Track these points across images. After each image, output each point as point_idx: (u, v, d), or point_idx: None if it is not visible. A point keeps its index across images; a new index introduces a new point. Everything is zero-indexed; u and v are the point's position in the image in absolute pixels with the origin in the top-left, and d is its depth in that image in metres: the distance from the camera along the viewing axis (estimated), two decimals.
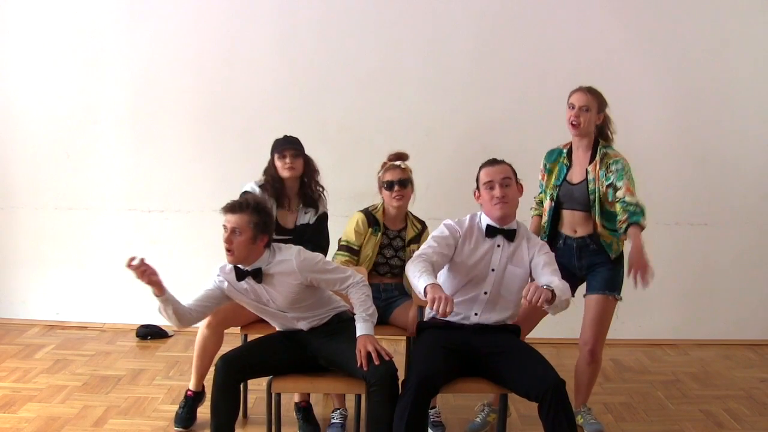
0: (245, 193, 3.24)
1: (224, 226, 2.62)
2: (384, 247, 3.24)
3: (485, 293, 2.78)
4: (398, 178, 3.19)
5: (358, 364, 2.54)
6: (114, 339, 4.39)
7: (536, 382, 2.47)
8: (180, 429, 3.13)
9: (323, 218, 3.41)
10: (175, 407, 3.29)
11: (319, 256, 2.80)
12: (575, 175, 3.12)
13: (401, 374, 2.66)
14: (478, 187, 2.85)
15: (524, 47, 4.34)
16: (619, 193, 3.00)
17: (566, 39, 4.32)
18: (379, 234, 3.21)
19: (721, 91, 4.38)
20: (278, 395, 2.72)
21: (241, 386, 2.98)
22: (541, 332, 3.43)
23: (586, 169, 3.10)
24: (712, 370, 4.07)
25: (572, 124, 3.08)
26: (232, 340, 3.22)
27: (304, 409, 3.18)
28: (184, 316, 2.71)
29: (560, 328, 3.87)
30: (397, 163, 3.23)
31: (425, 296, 2.50)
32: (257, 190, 3.31)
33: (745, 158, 4.44)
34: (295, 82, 4.38)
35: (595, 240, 3.07)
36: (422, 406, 2.48)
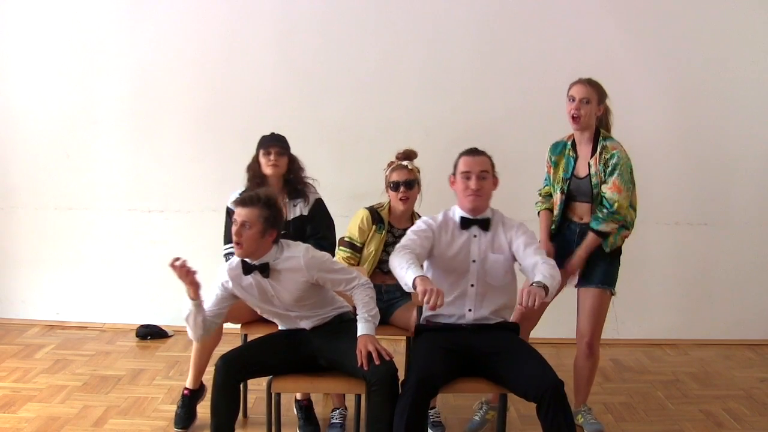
0: (227, 210, 3.27)
1: (234, 219, 2.64)
2: (389, 245, 3.21)
3: (472, 286, 2.78)
4: (404, 179, 3.17)
5: (359, 364, 2.54)
6: (114, 339, 4.39)
7: (535, 382, 2.47)
8: (180, 429, 3.13)
9: (318, 205, 3.37)
10: (175, 407, 3.30)
11: (326, 255, 2.83)
12: (580, 169, 3.13)
13: (401, 374, 2.66)
14: (454, 174, 2.85)
15: (524, 47, 4.34)
16: (604, 187, 3.05)
17: (566, 39, 4.32)
18: (384, 232, 3.20)
19: (721, 92, 4.38)
20: (278, 395, 2.72)
21: (241, 386, 2.98)
22: (541, 332, 3.43)
23: (589, 163, 3.11)
24: (712, 370, 4.07)
25: (573, 117, 3.07)
26: (232, 339, 3.22)
27: (306, 407, 3.18)
28: (209, 325, 2.73)
29: (560, 328, 3.87)
30: (405, 163, 3.21)
31: (414, 289, 2.50)
32: (236, 195, 3.30)
33: (745, 158, 4.44)
34: (295, 82, 4.38)
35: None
36: (421, 407, 2.48)
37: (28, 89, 4.48)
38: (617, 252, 3.14)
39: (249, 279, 2.71)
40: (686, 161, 4.43)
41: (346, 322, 2.81)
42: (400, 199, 3.18)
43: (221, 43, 4.38)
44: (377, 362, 2.52)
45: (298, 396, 3.23)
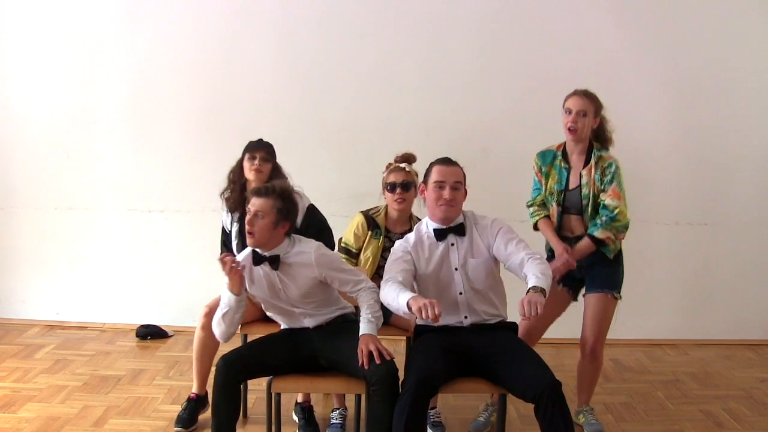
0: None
1: (248, 209, 2.65)
2: (386, 251, 3.17)
3: (460, 294, 2.77)
4: (401, 181, 3.15)
5: (360, 363, 2.54)
6: (114, 339, 4.39)
7: (532, 383, 2.46)
8: (180, 428, 3.12)
9: (310, 214, 3.30)
10: (175, 407, 3.30)
11: (337, 255, 2.87)
12: (572, 181, 3.13)
13: (401, 375, 2.66)
14: (425, 182, 2.83)
15: (524, 48, 4.34)
16: (603, 195, 3.06)
17: (566, 40, 4.32)
18: (381, 237, 3.18)
19: (721, 92, 4.38)
20: (278, 395, 2.72)
21: (241, 386, 2.98)
22: None
23: (581, 173, 3.11)
24: (712, 370, 4.07)
25: (570, 130, 3.07)
26: (233, 339, 3.20)
27: (307, 409, 3.18)
28: (240, 322, 2.76)
29: (560, 328, 3.84)
30: (402, 165, 3.20)
31: (410, 310, 2.50)
32: (223, 215, 3.33)
33: (745, 158, 4.43)
34: (295, 82, 4.38)
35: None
36: (421, 407, 2.48)
37: (28, 89, 4.48)
38: (619, 255, 3.13)
39: (259, 271, 2.72)
40: (686, 161, 4.43)
41: (348, 322, 2.82)
42: (396, 201, 3.16)
43: (221, 43, 4.38)
44: (378, 362, 2.52)
45: (300, 398, 3.23)
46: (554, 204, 3.14)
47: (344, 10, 4.33)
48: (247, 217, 2.64)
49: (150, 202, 4.52)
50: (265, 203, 2.63)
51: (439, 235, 2.79)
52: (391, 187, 3.16)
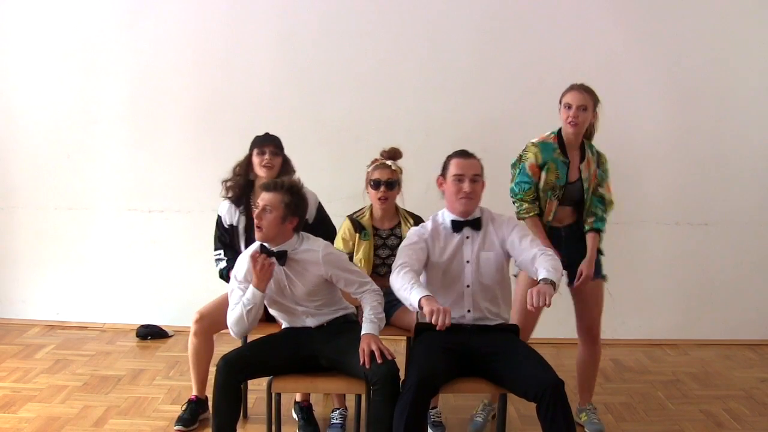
0: (217, 216, 3.27)
1: (257, 203, 2.67)
2: (378, 248, 3.18)
3: (468, 286, 2.78)
4: (386, 179, 3.12)
5: (361, 362, 2.54)
6: (114, 339, 4.39)
7: (534, 382, 2.47)
8: (181, 427, 3.12)
9: (320, 213, 3.33)
10: (175, 407, 3.31)
11: (344, 254, 2.88)
12: (572, 174, 3.13)
13: (401, 375, 2.66)
14: (444, 176, 2.83)
15: (524, 47, 4.34)
16: (602, 190, 3.16)
17: (566, 39, 4.32)
18: (370, 237, 3.16)
19: (722, 92, 4.38)
20: (278, 395, 2.72)
21: (242, 386, 2.97)
22: (541, 332, 3.43)
23: (579, 168, 3.13)
24: (712, 370, 4.07)
25: (572, 124, 3.08)
26: (233, 339, 3.20)
27: (305, 408, 3.18)
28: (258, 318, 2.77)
29: (560, 328, 3.87)
30: (388, 162, 3.17)
31: (420, 309, 2.50)
32: (223, 209, 3.27)
33: (745, 158, 4.43)
34: (295, 82, 4.38)
35: (580, 227, 3.15)
36: (421, 406, 2.48)
37: (28, 89, 4.48)
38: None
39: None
40: (686, 161, 4.43)
41: (349, 323, 2.83)
42: (379, 199, 3.12)
43: (221, 43, 4.38)
44: (380, 361, 2.53)
45: (298, 398, 3.23)
46: (554, 199, 3.12)
47: (344, 10, 4.33)
48: (256, 211, 2.64)
49: (150, 202, 4.52)
50: (274, 198, 2.64)
51: (456, 227, 2.80)
52: (375, 184, 3.13)
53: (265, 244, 2.70)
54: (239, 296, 2.72)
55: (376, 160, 3.21)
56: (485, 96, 4.36)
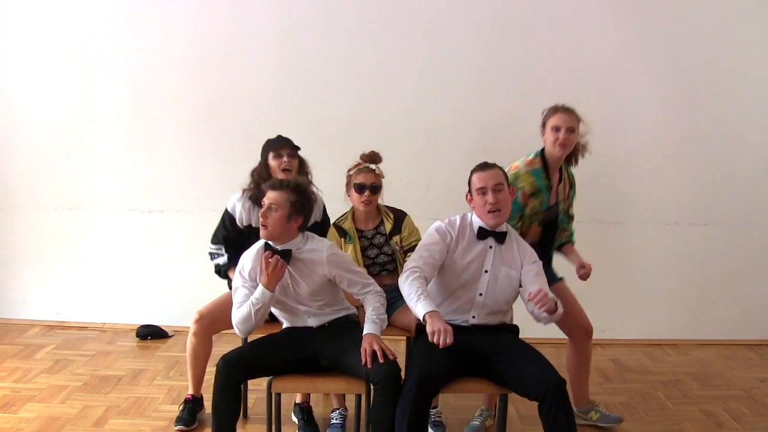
0: (225, 213, 3.23)
1: (263, 201, 2.67)
2: (366, 249, 3.17)
3: (480, 295, 2.78)
4: (371, 183, 3.11)
5: (363, 362, 2.54)
6: (114, 339, 4.39)
7: (536, 381, 2.47)
8: (181, 426, 3.13)
9: (325, 212, 3.36)
10: (175, 407, 3.31)
11: (348, 255, 2.89)
12: (552, 198, 3.14)
13: (402, 374, 2.66)
14: (470, 191, 2.84)
15: (524, 48, 4.34)
16: (572, 209, 3.26)
17: (567, 40, 4.32)
18: (354, 239, 3.15)
19: (722, 92, 4.38)
20: (278, 395, 2.72)
21: (242, 386, 2.98)
22: (541, 332, 3.44)
23: (557, 190, 3.16)
24: (712, 370, 4.07)
25: (561, 146, 3.07)
26: (233, 339, 3.22)
27: (306, 410, 3.18)
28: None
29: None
30: (372, 166, 3.15)
31: (424, 322, 2.54)
32: (239, 207, 3.21)
33: (745, 159, 4.43)
34: (295, 82, 4.38)
35: (543, 245, 3.15)
36: (423, 406, 2.48)
37: (28, 89, 4.48)
38: None
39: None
40: (686, 161, 4.43)
41: (350, 323, 2.83)
42: (363, 203, 3.12)
43: (221, 43, 4.37)
44: (381, 361, 2.53)
45: (298, 399, 3.23)
46: (537, 222, 3.11)
47: (344, 10, 4.33)
48: (261, 210, 2.65)
49: (150, 202, 4.52)
50: (279, 196, 2.65)
51: (481, 234, 2.80)
52: (359, 188, 3.11)
53: (270, 242, 2.70)
54: (244, 294, 2.72)
55: (358, 164, 3.18)
56: (485, 96, 4.36)
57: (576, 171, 4.41)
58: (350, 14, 4.34)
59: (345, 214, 3.23)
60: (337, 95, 4.37)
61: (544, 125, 3.15)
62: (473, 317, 2.79)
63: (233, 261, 3.13)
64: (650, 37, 4.33)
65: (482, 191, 2.76)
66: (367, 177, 3.12)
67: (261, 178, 3.17)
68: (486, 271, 2.79)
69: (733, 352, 4.37)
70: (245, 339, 3.14)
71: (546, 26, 4.33)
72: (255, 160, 3.38)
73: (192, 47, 4.38)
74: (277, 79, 4.39)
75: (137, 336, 4.41)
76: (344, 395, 3.23)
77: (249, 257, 2.76)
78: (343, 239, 3.15)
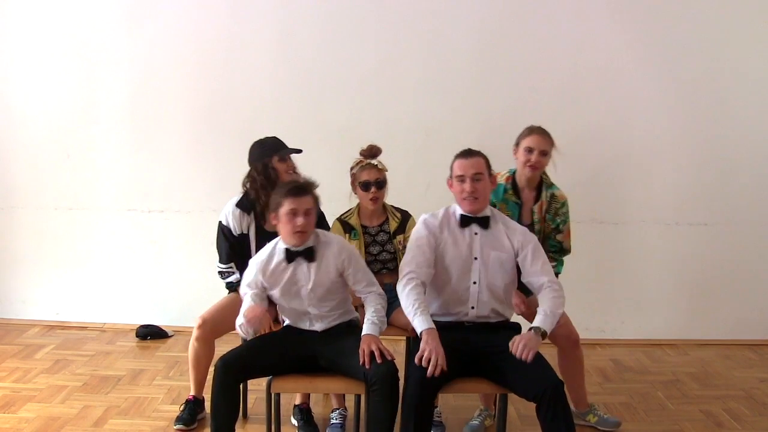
0: (221, 227, 3.19)
1: (293, 209, 2.65)
2: (369, 246, 3.18)
3: (474, 283, 2.79)
4: (375, 179, 3.11)
5: (361, 362, 2.54)
6: (114, 339, 4.39)
7: (535, 382, 2.47)
8: (181, 426, 3.13)
9: (321, 215, 3.33)
10: (175, 407, 3.31)
11: (357, 250, 2.93)
12: (525, 216, 3.14)
13: (401, 375, 2.66)
14: (451, 176, 2.85)
15: (524, 48, 4.33)
16: (560, 236, 3.18)
17: (567, 39, 4.32)
18: (359, 236, 3.16)
19: (721, 92, 4.38)
20: (278, 395, 2.72)
21: (241, 386, 2.98)
22: None
23: (533, 210, 3.15)
24: (712, 370, 4.07)
25: (531, 168, 3.10)
26: (233, 339, 3.21)
27: (305, 411, 3.18)
28: None
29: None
30: (374, 162, 3.16)
31: (420, 337, 2.56)
32: (230, 218, 3.16)
33: (745, 158, 4.43)
34: (295, 82, 4.38)
35: None
36: (427, 402, 2.49)
37: (28, 89, 4.48)
38: None
39: (280, 270, 2.74)
40: (686, 161, 4.43)
41: (352, 327, 2.84)
42: (371, 200, 3.13)
43: (221, 43, 4.37)
44: (379, 361, 2.53)
45: (297, 400, 3.23)
46: None
47: (344, 10, 4.33)
48: (298, 218, 2.64)
49: (150, 202, 4.52)
50: (309, 200, 2.69)
51: (464, 222, 2.81)
52: (365, 186, 3.12)
53: (290, 247, 2.71)
54: (252, 298, 2.74)
55: (360, 161, 3.18)
56: (485, 96, 4.35)
57: (576, 171, 4.43)
58: (350, 14, 4.34)
59: (350, 209, 3.24)
60: (338, 95, 4.37)
61: (518, 144, 3.16)
62: (473, 308, 2.79)
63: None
64: (650, 37, 4.33)
65: (461, 179, 2.78)
66: (370, 174, 3.12)
67: (269, 182, 3.11)
68: (476, 258, 2.79)
69: (733, 352, 4.37)
70: (244, 339, 3.15)
71: (546, 26, 4.32)
72: None
73: (192, 47, 4.38)
74: (278, 79, 4.39)
75: (137, 336, 4.41)
76: (344, 395, 3.23)
77: (253, 266, 2.78)
78: (348, 234, 3.15)
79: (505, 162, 3.26)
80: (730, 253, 4.50)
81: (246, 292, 2.77)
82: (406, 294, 2.67)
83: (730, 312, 4.53)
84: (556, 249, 3.21)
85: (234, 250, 3.18)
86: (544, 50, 4.33)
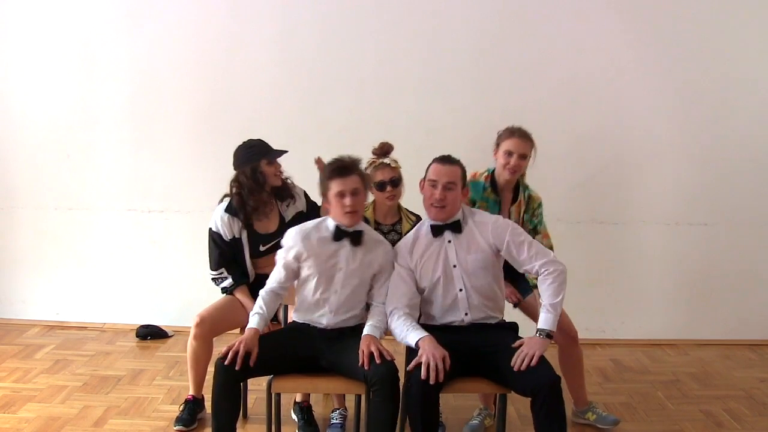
0: (211, 233, 3.22)
1: (341, 191, 2.66)
2: None
3: (461, 290, 2.77)
4: (389, 178, 3.11)
5: (360, 363, 2.54)
6: (114, 339, 4.39)
7: (533, 378, 2.48)
8: (181, 427, 3.13)
9: (308, 197, 3.34)
10: (175, 407, 3.31)
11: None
12: (503, 214, 3.13)
13: (401, 375, 2.66)
14: (425, 178, 2.83)
15: (525, 47, 4.33)
16: (538, 237, 3.17)
17: (567, 39, 4.32)
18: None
19: (721, 92, 4.38)
20: (278, 395, 2.72)
21: (241, 386, 2.98)
22: None
23: (510, 210, 3.16)
24: (712, 370, 4.07)
25: (510, 171, 3.10)
26: (233, 339, 3.21)
27: (305, 409, 3.18)
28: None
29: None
30: (386, 160, 3.15)
31: (416, 347, 2.55)
32: (219, 223, 3.18)
33: (744, 158, 4.43)
34: (295, 82, 4.38)
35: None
36: (431, 402, 2.50)
37: (28, 90, 4.48)
38: None
39: (323, 245, 2.74)
40: (686, 161, 4.43)
41: (356, 331, 2.81)
42: (387, 198, 3.13)
43: (221, 44, 4.37)
44: (378, 362, 2.52)
45: (298, 398, 3.23)
46: None
47: (344, 10, 4.33)
48: (346, 198, 2.65)
49: (150, 202, 4.52)
50: (357, 180, 2.69)
51: (436, 231, 2.79)
52: (380, 186, 3.11)
53: (341, 226, 2.73)
54: (278, 273, 2.79)
55: (372, 161, 3.18)
56: (485, 96, 4.35)
57: (576, 171, 4.44)
58: (350, 14, 4.34)
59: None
60: (338, 95, 4.37)
61: (498, 145, 3.17)
62: (466, 314, 2.78)
63: (238, 281, 3.19)
64: (650, 37, 4.33)
65: (433, 184, 2.76)
66: (384, 173, 3.11)
67: (257, 186, 3.12)
68: (455, 266, 2.77)
69: (733, 352, 4.37)
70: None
71: (546, 26, 4.32)
72: None
73: (192, 47, 4.38)
74: (278, 79, 4.39)
75: (137, 336, 4.41)
76: (344, 395, 3.22)
77: (299, 233, 2.77)
78: None
79: None
80: (730, 253, 4.50)
81: (278, 259, 2.79)
82: (395, 325, 2.70)
83: (730, 312, 4.53)
84: None
85: (224, 256, 3.21)
86: (544, 50, 4.33)
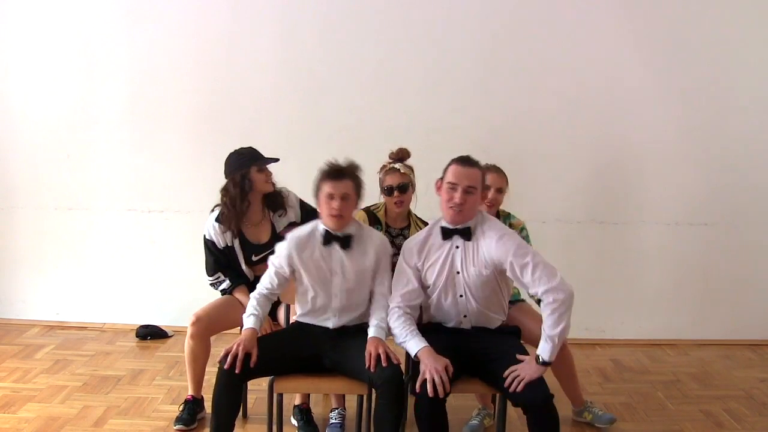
0: (205, 240, 3.24)
1: (330, 194, 2.66)
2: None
3: (461, 296, 2.75)
4: (397, 183, 3.12)
5: (367, 365, 2.54)
6: (114, 339, 4.38)
7: (526, 393, 2.48)
8: (181, 426, 3.12)
9: (303, 205, 3.33)
10: (175, 407, 3.31)
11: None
12: None
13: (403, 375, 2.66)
14: (442, 179, 2.75)
15: (525, 48, 4.33)
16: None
17: (568, 40, 4.32)
18: (382, 232, 3.17)
19: (722, 92, 4.38)
20: (280, 395, 2.71)
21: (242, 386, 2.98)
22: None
23: None
24: (712, 370, 4.07)
25: (489, 205, 3.16)
26: (233, 340, 3.21)
27: (305, 411, 3.18)
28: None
29: None
30: (397, 166, 3.16)
31: (416, 359, 2.54)
32: (212, 232, 3.20)
33: (745, 158, 4.43)
34: (295, 82, 4.38)
35: None
36: (440, 411, 2.49)
37: (28, 89, 4.47)
38: None
39: (316, 252, 2.73)
40: (686, 161, 4.43)
41: (362, 330, 2.81)
42: (395, 203, 3.15)
43: (221, 44, 4.37)
44: (385, 364, 2.53)
45: (297, 401, 3.22)
46: None
47: (345, 10, 4.33)
48: (335, 203, 2.65)
49: (150, 203, 4.52)
50: (348, 185, 2.68)
51: (446, 234, 2.75)
52: (388, 191, 3.14)
53: (330, 230, 2.72)
54: (269, 279, 2.78)
55: (385, 165, 3.20)
56: (486, 97, 4.36)
57: (576, 172, 4.44)
58: (351, 15, 4.34)
59: (377, 204, 3.25)
60: (338, 95, 4.37)
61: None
62: (464, 316, 2.78)
63: (236, 281, 3.20)
64: (650, 38, 4.33)
65: (452, 186, 2.68)
66: (393, 178, 3.14)
67: (243, 194, 3.12)
68: (458, 273, 2.74)
69: (733, 352, 4.37)
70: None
71: (547, 27, 4.32)
72: None
73: (192, 48, 4.38)
74: (278, 80, 4.39)
75: (137, 336, 4.41)
76: (344, 395, 3.22)
77: (294, 240, 2.77)
78: (372, 227, 3.14)
79: (507, 161, 3.26)
80: (730, 253, 4.50)
81: (270, 264, 2.79)
82: (394, 325, 2.67)
83: (730, 312, 4.54)
84: None
85: (219, 262, 3.24)
86: (545, 50, 4.33)
